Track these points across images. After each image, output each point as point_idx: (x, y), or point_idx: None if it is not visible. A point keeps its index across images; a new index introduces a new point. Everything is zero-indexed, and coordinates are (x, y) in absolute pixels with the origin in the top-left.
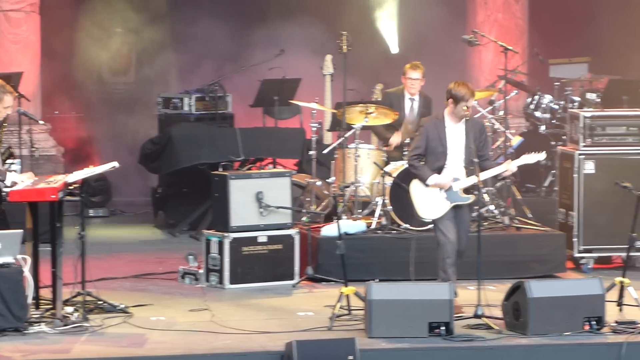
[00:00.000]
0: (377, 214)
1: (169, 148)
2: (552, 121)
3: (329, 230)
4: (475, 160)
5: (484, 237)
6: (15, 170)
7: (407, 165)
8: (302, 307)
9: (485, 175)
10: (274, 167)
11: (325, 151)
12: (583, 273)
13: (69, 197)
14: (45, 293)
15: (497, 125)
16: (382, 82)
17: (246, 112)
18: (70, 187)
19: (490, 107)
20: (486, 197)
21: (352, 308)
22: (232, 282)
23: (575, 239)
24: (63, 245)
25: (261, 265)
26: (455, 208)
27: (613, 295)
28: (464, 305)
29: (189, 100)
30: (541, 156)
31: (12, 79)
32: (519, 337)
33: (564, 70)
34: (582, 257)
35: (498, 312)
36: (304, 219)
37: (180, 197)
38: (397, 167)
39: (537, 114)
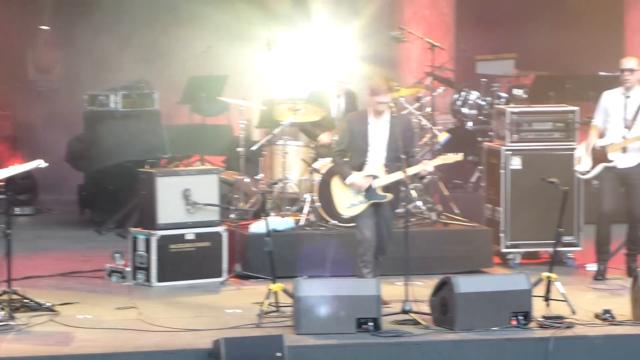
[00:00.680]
0: (305, 211)
1: (95, 146)
2: (479, 117)
3: (258, 227)
4: (403, 156)
5: (412, 233)
6: None
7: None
8: (230, 304)
9: (408, 172)
10: (202, 165)
11: (253, 148)
12: (510, 268)
13: None
14: None
15: (424, 122)
16: None
17: (173, 109)
18: None
19: (418, 104)
20: (413, 193)
21: (281, 305)
22: (159, 280)
23: (502, 235)
24: None
25: (189, 262)
26: (375, 205)
27: (540, 290)
28: (391, 301)
29: (115, 97)
30: (458, 157)
31: None
32: (447, 333)
33: (490, 66)
34: (509, 253)
35: (426, 308)
36: (232, 216)
37: (106, 195)
38: (325, 164)
39: (464, 110)
